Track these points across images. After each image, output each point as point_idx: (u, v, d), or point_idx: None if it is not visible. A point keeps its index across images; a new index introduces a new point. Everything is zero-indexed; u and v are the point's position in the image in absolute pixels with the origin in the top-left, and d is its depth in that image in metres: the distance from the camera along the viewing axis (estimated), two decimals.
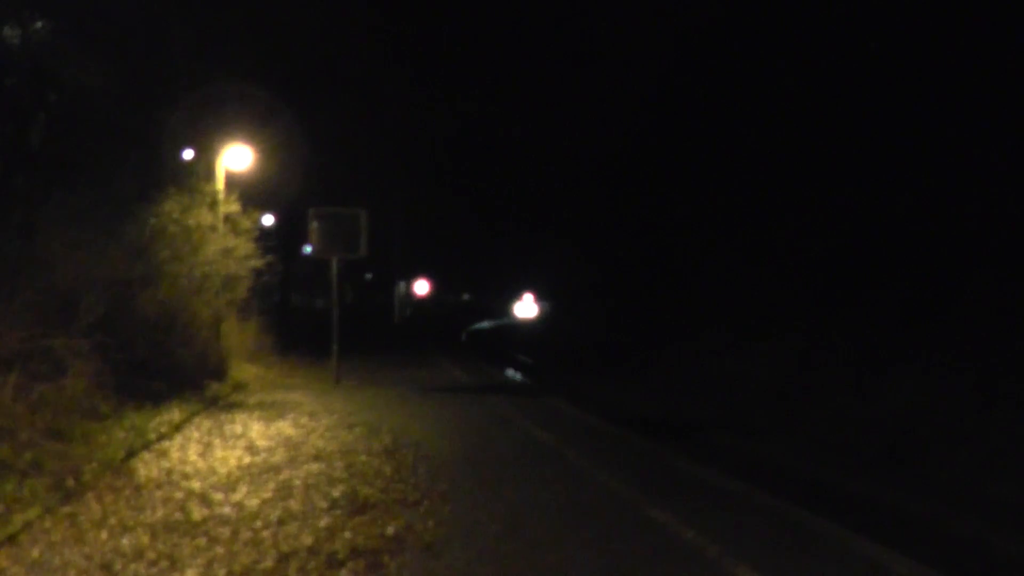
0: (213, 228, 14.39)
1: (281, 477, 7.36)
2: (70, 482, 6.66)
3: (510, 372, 22.58)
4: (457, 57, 32.62)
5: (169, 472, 7.46)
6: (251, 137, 15.70)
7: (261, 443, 9.04)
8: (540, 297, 46.94)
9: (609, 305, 25.96)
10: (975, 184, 11.90)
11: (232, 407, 11.99)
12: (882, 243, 13.58)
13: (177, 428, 9.73)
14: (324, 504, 6.42)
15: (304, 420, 10.78)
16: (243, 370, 15.82)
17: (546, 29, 27.58)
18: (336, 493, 6.78)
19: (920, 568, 5.24)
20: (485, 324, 50.49)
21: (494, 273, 49.63)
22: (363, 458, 8.30)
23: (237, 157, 15.27)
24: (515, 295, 47.99)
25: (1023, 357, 9.59)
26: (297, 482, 7.16)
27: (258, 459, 8.17)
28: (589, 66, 25.25)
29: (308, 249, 24.95)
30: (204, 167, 15.01)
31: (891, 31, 13.69)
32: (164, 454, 8.28)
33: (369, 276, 49.70)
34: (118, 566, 4.92)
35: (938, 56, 12.55)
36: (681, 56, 20.67)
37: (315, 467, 7.81)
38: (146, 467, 7.63)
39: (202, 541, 5.41)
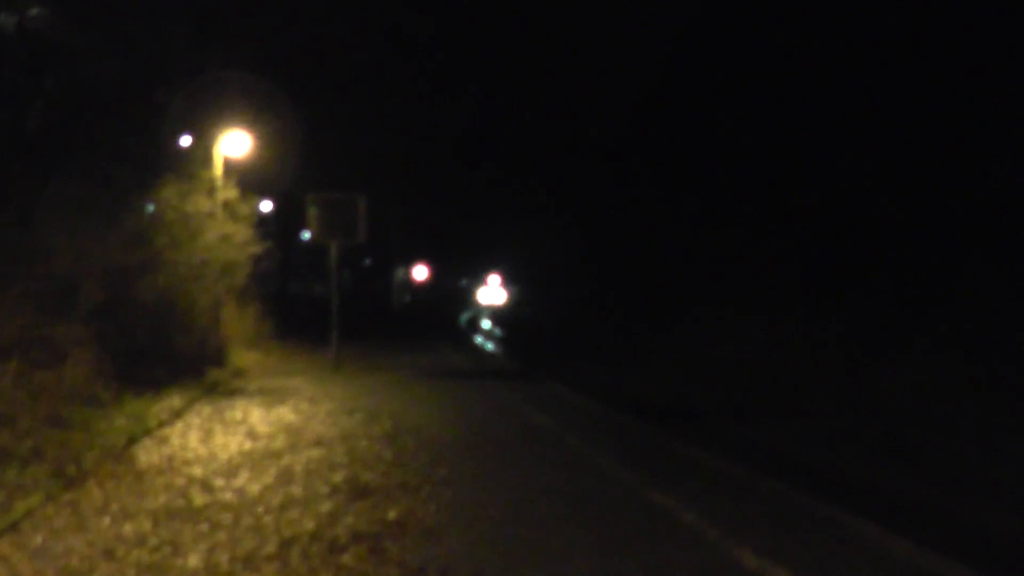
0: (211, 214, 14.37)
1: (282, 463, 7.38)
2: (71, 469, 6.67)
3: (508, 357, 22.59)
4: (452, 41, 32.40)
5: (170, 458, 7.48)
6: (249, 123, 15.65)
7: (262, 429, 9.06)
8: (509, 280, 45.23)
9: (601, 290, 25.86)
10: (979, 169, 11.87)
11: (232, 393, 12.02)
12: (882, 227, 13.56)
13: (177, 415, 9.76)
14: (325, 489, 6.44)
15: (304, 406, 10.80)
16: (243, 356, 15.85)
17: (539, 12, 27.41)
18: (337, 478, 6.80)
19: (920, 550, 5.26)
20: (482, 310, 50.44)
21: (490, 258, 49.28)
22: (364, 443, 8.33)
23: (235, 143, 15.23)
24: (504, 280, 46.93)
25: (1022, 341, 9.59)
26: (298, 468, 7.19)
27: (259, 445, 8.19)
28: (580, 44, 25.08)
29: (307, 235, 24.93)
30: (202, 153, 14.97)
31: (890, 22, 13.63)
32: (165, 441, 8.31)
33: (368, 262, 49.59)
34: (120, 552, 4.94)
35: (941, 45, 12.50)
36: (673, 37, 20.53)
37: (316, 453, 7.84)
38: (147, 454, 7.65)
39: (204, 527, 5.44)
